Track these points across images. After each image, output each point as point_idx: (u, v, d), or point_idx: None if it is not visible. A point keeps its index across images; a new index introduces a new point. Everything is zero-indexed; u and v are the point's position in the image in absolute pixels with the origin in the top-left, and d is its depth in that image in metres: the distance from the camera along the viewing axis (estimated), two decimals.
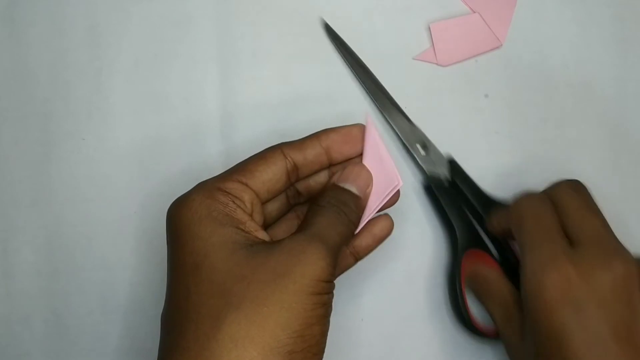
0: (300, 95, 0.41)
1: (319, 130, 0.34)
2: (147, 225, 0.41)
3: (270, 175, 0.32)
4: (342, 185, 0.33)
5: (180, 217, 0.30)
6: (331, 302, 0.30)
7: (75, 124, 0.41)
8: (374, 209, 0.34)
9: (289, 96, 0.41)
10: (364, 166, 0.33)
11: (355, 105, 0.41)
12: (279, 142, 0.40)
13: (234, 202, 0.31)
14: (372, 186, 0.34)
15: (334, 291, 0.30)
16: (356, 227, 0.33)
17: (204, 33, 0.42)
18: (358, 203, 0.33)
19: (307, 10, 0.41)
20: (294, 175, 0.33)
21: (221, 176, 0.32)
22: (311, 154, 0.33)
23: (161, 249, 0.41)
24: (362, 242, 0.34)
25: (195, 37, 0.42)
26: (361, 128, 0.34)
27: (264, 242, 0.30)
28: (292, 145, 0.33)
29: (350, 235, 0.32)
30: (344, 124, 0.34)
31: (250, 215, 0.31)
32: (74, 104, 0.42)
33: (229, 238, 0.29)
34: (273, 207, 0.34)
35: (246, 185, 0.31)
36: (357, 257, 0.35)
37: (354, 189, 0.33)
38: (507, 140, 0.41)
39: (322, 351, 0.29)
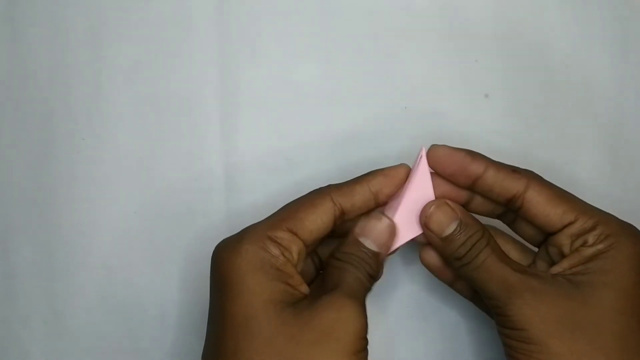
0: (301, 96, 0.41)
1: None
2: (147, 225, 0.41)
3: (319, 224, 0.33)
4: (362, 241, 0.33)
5: (232, 266, 0.31)
6: (367, 358, 0.31)
7: (75, 124, 0.41)
8: (408, 238, 0.34)
9: (288, 96, 0.41)
10: (385, 220, 0.33)
11: (355, 106, 0.41)
12: (280, 142, 0.41)
13: (283, 254, 0.32)
14: (393, 239, 0.34)
15: None
16: (376, 280, 0.33)
17: (204, 33, 0.42)
18: (378, 259, 0.33)
19: (307, 10, 0.41)
20: (340, 219, 0.34)
21: (271, 223, 0.32)
22: (360, 200, 0.34)
23: (161, 248, 0.41)
24: None
25: (196, 37, 0.42)
26: (406, 169, 0.34)
27: (305, 297, 0.31)
28: (341, 190, 0.34)
29: (370, 288, 0.33)
30: (390, 165, 0.35)
31: (296, 266, 0.32)
32: (74, 104, 0.42)
33: (278, 295, 0.31)
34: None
35: (295, 234, 0.32)
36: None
37: (374, 247, 0.33)
38: (507, 140, 0.41)
39: None
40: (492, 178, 0.33)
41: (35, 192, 0.41)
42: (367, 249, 0.33)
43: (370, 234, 0.33)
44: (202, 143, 0.41)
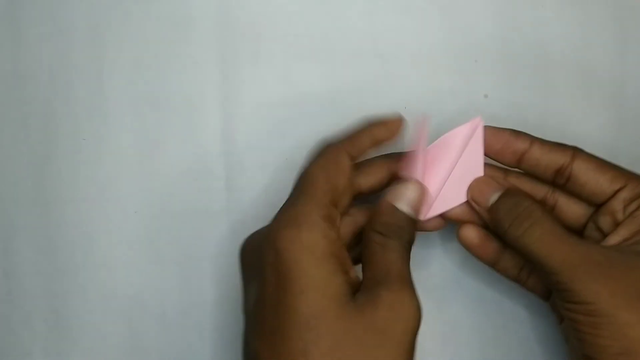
0: (301, 96, 0.41)
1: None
2: (147, 225, 0.41)
3: (348, 184, 0.33)
4: (398, 206, 0.33)
5: (295, 257, 0.30)
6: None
7: (75, 124, 0.41)
8: (453, 204, 0.35)
9: (289, 96, 0.41)
10: (416, 182, 0.34)
11: (355, 106, 0.41)
12: (280, 142, 0.41)
13: (338, 239, 0.31)
14: (424, 202, 0.34)
15: None
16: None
17: (204, 33, 0.42)
18: (414, 225, 0.33)
19: (307, 11, 0.41)
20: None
21: (316, 199, 0.32)
22: (365, 149, 0.34)
23: (161, 248, 0.41)
24: None
25: (196, 37, 0.42)
26: (400, 117, 0.35)
27: (358, 284, 0.31)
28: (352, 143, 0.34)
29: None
30: (385, 115, 0.35)
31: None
32: (75, 104, 0.42)
33: (341, 289, 0.30)
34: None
35: (335, 205, 0.32)
36: None
37: (412, 213, 0.33)
38: None
39: None
40: (538, 152, 0.34)
41: (36, 192, 0.42)
42: (403, 214, 0.33)
43: (404, 197, 0.33)
44: (202, 143, 0.41)
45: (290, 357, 0.29)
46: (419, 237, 0.40)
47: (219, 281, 0.41)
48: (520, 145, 0.34)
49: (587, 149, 0.40)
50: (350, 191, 0.34)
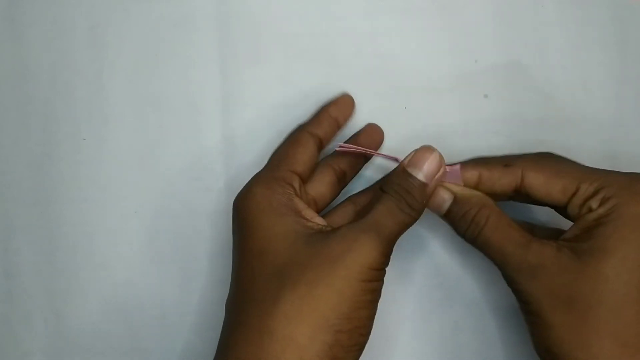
0: (300, 96, 0.41)
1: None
2: (147, 225, 0.41)
3: (309, 156, 0.36)
4: (410, 171, 0.34)
5: (245, 209, 0.34)
6: (380, 288, 0.33)
7: (75, 124, 0.42)
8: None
9: (289, 96, 0.41)
10: (435, 150, 0.34)
11: (355, 106, 0.41)
12: (279, 142, 0.41)
13: (289, 191, 0.34)
14: (444, 169, 0.34)
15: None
16: (420, 214, 0.34)
17: (204, 33, 0.42)
18: (424, 191, 0.34)
19: (307, 10, 0.42)
20: (320, 148, 0.38)
21: (272, 167, 0.36)
22: (329, 127, 0.38)
23: (161, 248, 0.41)
24: None
25: (196, 37, 0.42)
26: (348, 95, 0.40)
27: (321, 230, 0.33)
28: (312, 124, 0.38)
29: (411, 222, 0.34)
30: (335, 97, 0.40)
31: (305, 200, 0.35)
32: (75, 105, 0.42)
33: (290, 228, 0.33)
34: (324, 189, 0.37)
35: (294, 172, 0.35)
36: None
37: (421, 177, 0.34)
38: (506, 140, 0.41)
39: (369, 333, 0.32)
40: (488, 180, 0.35)
41: (36, 192, 0.42)
42: (415, 178, 0.34)
43: (418, 163, 0.34)
44: (202, 143, 0.41)
45: (241, 284, 0.33)
46: (419, 238, 0.41)
47: (218, 281, 0.41)
48: (470, 177, 0.35)
49: (587, 148, 0.41)
50: (314, 161, 0.37)
